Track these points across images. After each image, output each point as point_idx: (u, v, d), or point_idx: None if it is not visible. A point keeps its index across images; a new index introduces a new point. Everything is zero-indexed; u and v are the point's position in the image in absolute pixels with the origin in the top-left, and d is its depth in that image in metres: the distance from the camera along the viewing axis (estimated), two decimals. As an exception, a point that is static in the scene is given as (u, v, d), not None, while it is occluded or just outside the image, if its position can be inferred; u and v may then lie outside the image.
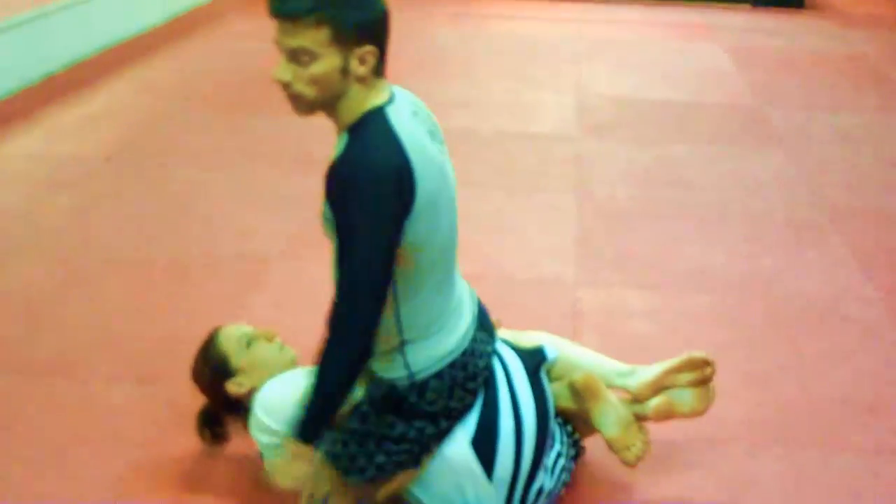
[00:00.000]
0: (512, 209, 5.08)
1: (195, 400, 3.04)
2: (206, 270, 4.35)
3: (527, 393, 2.77)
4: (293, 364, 2.97)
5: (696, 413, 2.98)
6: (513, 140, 6.18)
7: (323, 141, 5.84)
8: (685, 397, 2.96)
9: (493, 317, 2.89)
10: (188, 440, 3.08)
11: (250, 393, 2.86)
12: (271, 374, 2.88)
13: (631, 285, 4.24)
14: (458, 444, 2.68)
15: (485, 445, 2.69)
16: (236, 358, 2.94)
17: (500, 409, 2.72)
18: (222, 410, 2.99)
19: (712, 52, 8.57)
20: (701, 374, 2.96)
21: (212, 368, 2.96)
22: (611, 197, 5.31)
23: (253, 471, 2.97)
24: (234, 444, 3.06)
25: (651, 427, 3.02)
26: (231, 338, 2.99)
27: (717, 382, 3.42)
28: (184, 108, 6.63)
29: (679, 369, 2.96)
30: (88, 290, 4.16)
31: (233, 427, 3.02)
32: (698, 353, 2.98)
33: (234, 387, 2.90)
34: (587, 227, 4.86)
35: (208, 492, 2.98)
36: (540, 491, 2.80)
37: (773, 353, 3.83)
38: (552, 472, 2.84)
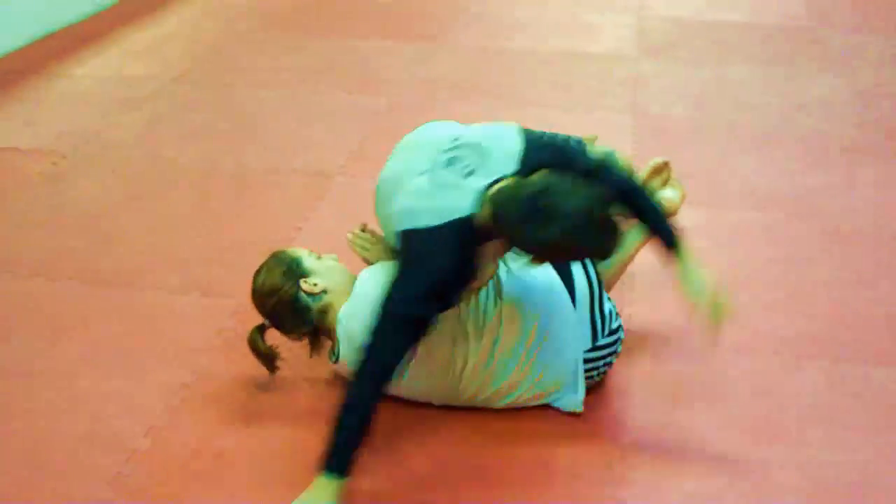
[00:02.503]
0: (569, 127, 5.11)
1: (257, 312, 3.10)
2: (268, 185, 4.49)
3: None
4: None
5: (674, 204, 3.49)
6: (571, 60, 6.24)
7: (382, 62, 6.00)
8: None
9: None
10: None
11: (321, 294, 2.97)
12: (343, 280, 3.01)
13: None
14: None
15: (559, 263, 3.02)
16: (308, 259, 3.05)
17: None
18: (289, 316, 3.01)
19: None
20: (667, 173, 3.55)
21: (285, 267, 3.01)
22: (666, 116, 5.37)
23: (314, 382, 3.15)
24: (294, 361, 3.20)
25: (694, 335, 3.28)
26: (299, 249, 3.12)
27: (768, 297, 3.53)
28: (248, 30, 6.75)
29: (649, 178, 3.50)
30: (154, 205, 4.32)
31: (291, 346, 3.16)
32: (657, 159, 3.54)
33: (308, 285, 2.97)
34: (642, 145, 4.93)
35: (271, 400, 3.12)
36: (610, 314, 3.06)
37: (820, 270, 3.91)
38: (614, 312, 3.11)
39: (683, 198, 3.56)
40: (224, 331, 3.41)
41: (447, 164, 2.76)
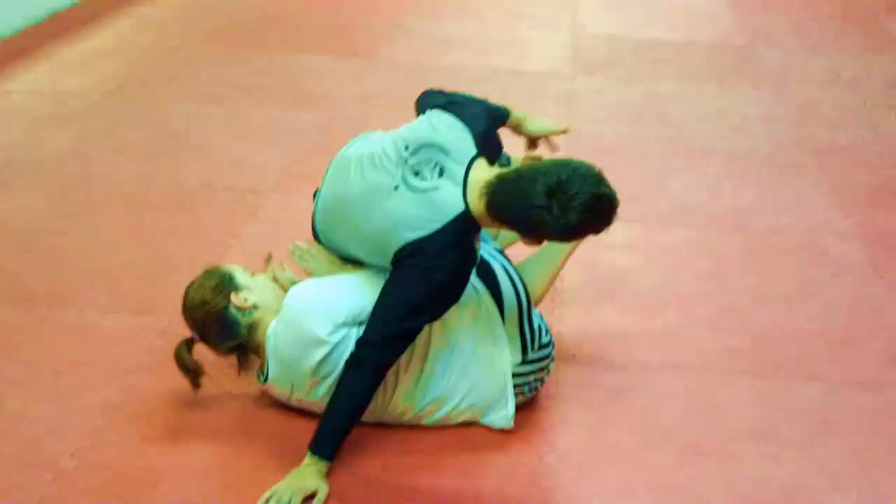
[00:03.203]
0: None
1: (188, 330, 3.10)
2: (202, 202, 4.46)
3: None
4: (291, 284, 3.08)
5: None
6: (505, 77, 6.27)
7: (317, 78, 6.00)
8: None
9: None
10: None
11: (251, 309, 2.97)
12: (274, 298, 3.01)
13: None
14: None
15: (487, 278, 3.06)
16: (242, 276, 3.05)
17: (486, 256, 3.11)
18: (217, 330, 3.00)
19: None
20: None
21: (217, 281, 3.01)
22: (598, 133, 5.41)
23: (243, 400, 3.15)
24: (222, 380, 3.18)
25: (627, 350, 3.43)
26: (233, 266, 3.11)
27: (697, 314, 3.56)
28: (183, 45, 6.71)
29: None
30: (85, 222, 4.28)
31: (219, 364, 3.14)
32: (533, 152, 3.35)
33: (238, 299, 2.96)
34: (574, 162, 4.95)
35: (199, 419, 3.09)
36: (540, 328, 3.10)
37: (750, 286, 3.96)
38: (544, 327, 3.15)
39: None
40: (153, 350, 3.38)
41: (415, 173, 2.81)
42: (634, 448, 3.04)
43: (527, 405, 3.14)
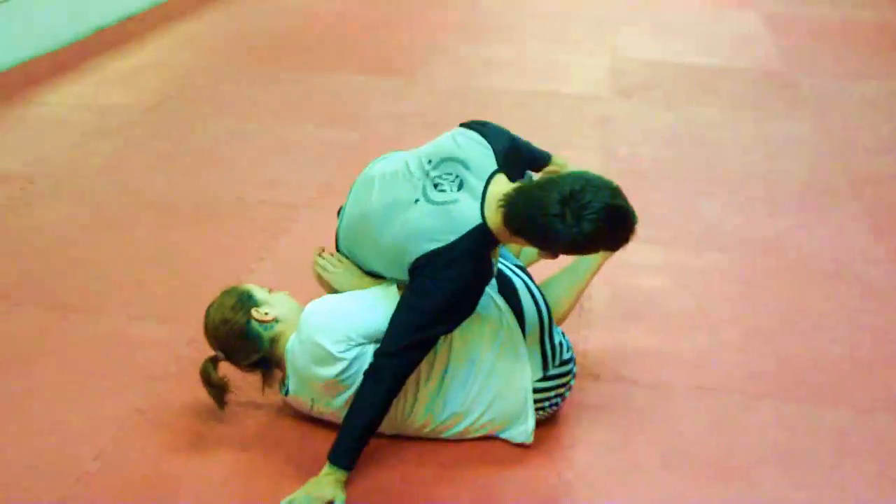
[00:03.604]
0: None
1: None
2: (233, 216, 4.51)
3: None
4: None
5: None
6: (544, 100, 6.29)
7: (355, 97, 6.04)
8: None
9: None
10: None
11: (272, 323, 2.99)
12: (294, 310, 3.03)
13: (645, 241, 4.26)
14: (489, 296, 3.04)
15: (508, 294, 3.07)
16: (260, 292, 3.08)
17: (508, 272, 3.14)
18: (241, 346, 3.01)
19: (748, 19, 8.63)
20: None
21: (236, 299, 3.04)
22: (634, 156, 5.42)
23: (265, 410, 3.18)
24: (246, 388, 3.19)
25: (652, 371, 3.44)
26: (249, 284, 3.14)
27: (724, 337, 3.56)
28: (224, 62, 6.80)
29: None
30: (119, 233, 4.33)
31: (245, 378, 3.16)
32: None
33: (259, 314, 2.99)
34: (608, 185, 4.95)
35: (221, 427, 3.12)
36: (561, 345, 3.10)
37: (779, 310, 3.94)
38: (566, 344, 3.15)
39: None
40: (180, 358, 3.41)
41: (435, 185, 2.84)
42: (654, 468, 3.03)
43: (547, 421, 3.14)
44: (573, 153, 5.31)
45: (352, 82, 6.37)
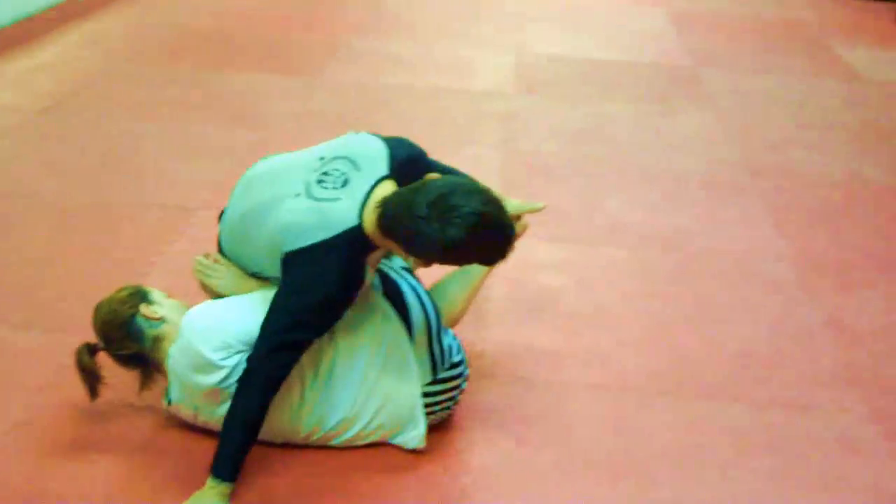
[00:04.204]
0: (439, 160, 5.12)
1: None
2: (126, 220, 4.38)
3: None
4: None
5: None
6: (447, 96, 6.23)
7: (258, 96, 5.93)
8: None
9: None
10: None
11: (159, 322, 2.92)
12: (181, 317, 2.93)
13: (544, 238, 4.28)
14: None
15: (393, 297, 2.98)
16: (157, 294, 3.02)
17: (393, 276, 3.04)
18: (120, 335, 2.94)
19: (655, 16, 8.65)
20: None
21: (132, 290, 2.99)
22: (536, 152, 5.38)
23: (151, 419, 3.08)
24: (129, 396, 3.11)
25: (549, 370, 3.41)
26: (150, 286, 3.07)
27: (623, 334, 3.53)
28: (126, 61, 6.63)
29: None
30: (6, 239, 4.19)
31: (126, 381, 3.07)
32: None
33: (148, 310, 2.92)
34: (509, 180, 4.91)
35: (104, 439, 3.02)
36: (451, 347, 3.02)
37: (679, 306, 3.92)
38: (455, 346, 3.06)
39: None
40: (63, 368, 3.28)
41: (319, 181, 2.76)
42: (550, 469, 2.99)
43: (441, 425, 3.08)
44: (475, 149, 5.32)
45: (254, 81, 6.25)
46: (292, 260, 2.70)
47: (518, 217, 3.06)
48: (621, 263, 4.24)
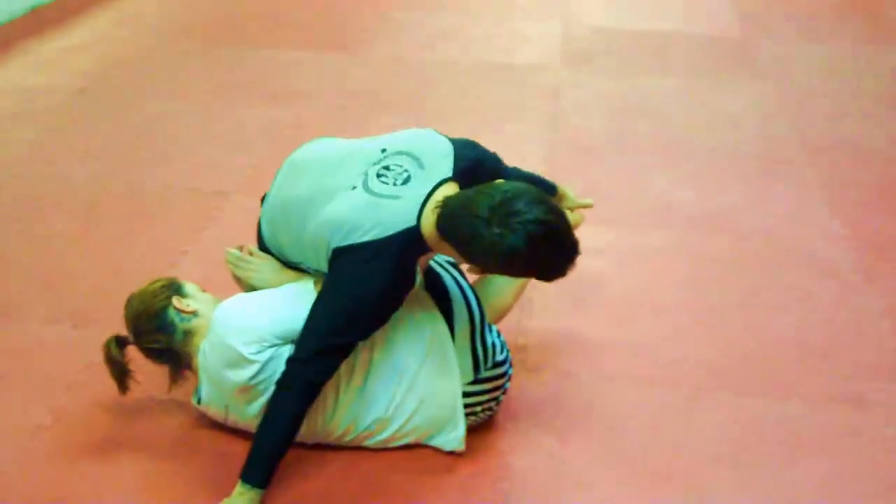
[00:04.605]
0: (481, 140, 4.97)
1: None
2: (159, 205, 4.28)
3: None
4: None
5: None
6: (492, 71, 6.06)
7: (298, 74, 5.81)
8: None
9: None
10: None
11: (191, 315, 2.83)
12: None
13: (588, 220, 4.12)
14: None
15: (436, 291, 2.86)
16: (191, 287, 2.94)
17: (437, 269, 2.93)
18: (151, 327, 2.85)
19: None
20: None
21: (166, 282, 2.91)
22: (582, 128, 5.22)
23: (181, 419, 2.99)
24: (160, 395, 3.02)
25: (595, 364, 3.30)
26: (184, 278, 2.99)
27: (670, 323, 3.44)
28: (163, 40, 6.53)
29: None
30: (37, 227, 4.10)
31: (157, 380, 2.97)
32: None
33: (180, 303, 2.84)
34: (555, 158, 4.77)
35: (134, 439, 2.93)
36: (494, 345, 2.87)
37: (729, 293, 3.76)
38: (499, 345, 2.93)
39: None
40: (92, 365, 3.18)
41: (379, 175, 2.64)
42: (595, 473, 2.85)
43: (481, 426, 2.95)
44: (520, 126, 5.17)
45: (294, 58, 6.12)
46: (342, 256, 2.57)
47: (572, 209, 2.96)
48: (668, 246, 4.08)
